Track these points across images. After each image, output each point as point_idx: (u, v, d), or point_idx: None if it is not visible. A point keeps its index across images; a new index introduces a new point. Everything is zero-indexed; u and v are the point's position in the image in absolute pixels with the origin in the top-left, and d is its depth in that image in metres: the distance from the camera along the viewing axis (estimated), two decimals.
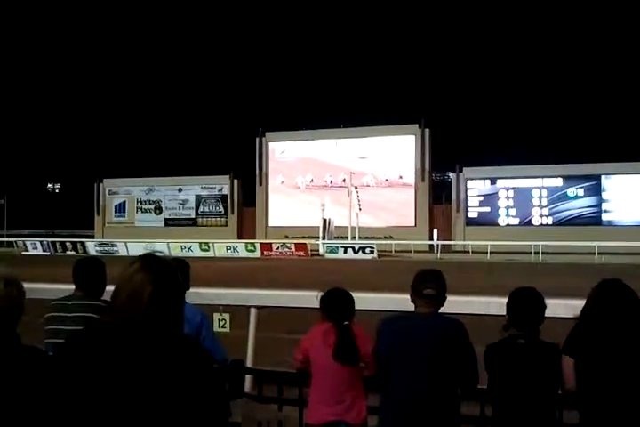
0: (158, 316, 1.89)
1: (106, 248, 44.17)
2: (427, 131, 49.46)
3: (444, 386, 3.20)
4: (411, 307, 3.40)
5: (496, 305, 3.93)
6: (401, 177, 50.19)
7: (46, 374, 2.00)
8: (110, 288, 2.14)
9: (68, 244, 45.83)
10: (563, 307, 3.97)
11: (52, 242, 46.51)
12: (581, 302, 3.28)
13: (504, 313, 3.33)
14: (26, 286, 2.39)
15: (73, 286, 3.97)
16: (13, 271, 2.16)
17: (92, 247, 44.69)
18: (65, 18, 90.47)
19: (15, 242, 48.07)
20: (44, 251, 45.16)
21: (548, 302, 3.44)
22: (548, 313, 3.36)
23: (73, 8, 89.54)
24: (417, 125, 49.58)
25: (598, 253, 35.21)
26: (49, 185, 67.95)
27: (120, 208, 58.20)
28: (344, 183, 48.58)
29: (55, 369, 1.99)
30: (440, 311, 3.36)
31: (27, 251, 45.37)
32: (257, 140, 54.22)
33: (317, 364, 3.63)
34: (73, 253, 43.48)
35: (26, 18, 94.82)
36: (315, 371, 3.65)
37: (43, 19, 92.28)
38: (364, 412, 3.62)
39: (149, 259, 2.00)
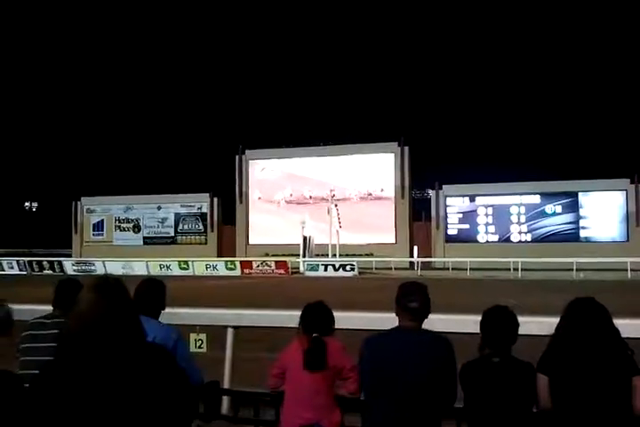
0: (110, 331, 2.09)
1: (83, 267, 43.61)
2: (406, 149, 49.80)
3: (427, 404, 3.19)
4: (392, 325, 3.41)
5: (472, 323, 3.94)
6: (382, 190, 50.38)
7: (17, 396, 2.07)
8: None
9: (45, 263, 45.18)
10: (537, 325, 3.99)
11: (28, 261, 45.83)
12: (556, 320, 3.30)
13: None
14: None
15: (50, 307, 4.01)
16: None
17: (69, 266, 44.09)
18: (38, 38, 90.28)
19: None
20: (20, 270, 44.51)
21: (524, 319, 3.45)
22: (522, 331, 3.38)
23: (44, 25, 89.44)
24: (396, 143, 49.92)
25: (576, 270, 35.48)
26: (26, 203, 67.25)
27: (98, 227, 57.69)
28: (324, 200, 48.56)
29: (29, 392, 2.13)
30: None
31: (2, 270, 44.69)
32: (237, 157, 54.24)
33: (291, 373, 3.66)
34: (50, 272, 42.92)
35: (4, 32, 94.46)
36: (287, 379, 3.68)
37: (19, 34, 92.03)
38: (339, 417, 3.62)
39: (100, 282, 2.23)
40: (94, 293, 2.16)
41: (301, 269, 40.51)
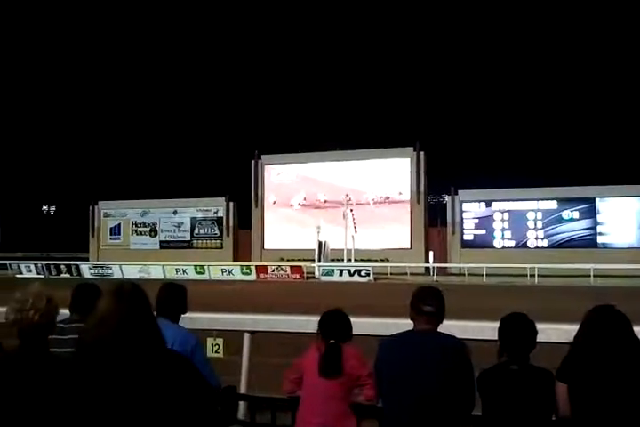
0: (128, 337, 2.10)
1: (100, 271, 43.95)
2: (422, 154, 49.67)
3: (443, 409, 3.18)
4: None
5: (490, 330, 3.92)
6: (400, 193, 50.19)
7: (71, 380, 2.16)
8: None
9: (62, 266, 45.57)
10: (556, 332, 3.96)
11: (46, 265, 46.23)
12: (575, 327, 3.28)
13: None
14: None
15: (67, 311, 4.02)
16: (48, 290, 2.50)
17: (86, 270, 44.44)
18: (54, 45, 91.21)
19: (9, 264, 47.79)
20: (38, 273, 44.88)
21: (542, 326, 3.43)
22: (541, 338, 3.36)
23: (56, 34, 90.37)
24: (412, 148, 49.81)
25: (594, 276, 35.19)
26: (44, 207, 67.83)
27: (115, 230, 58.07)
28: (340, 204, 48.36)
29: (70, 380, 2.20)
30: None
31: (21, 273, 45.09)
32: (252, 162, 54.39)
33: (307, 378, 3.67)
34: (67, 275, 43.25)
35: (13, 39, 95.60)
36: (304, 385, 3.68)
37: (31, 42, 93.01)
38: (354, 424, 3.61)
39: (117, 288, 2.24)
40: (112, 298, 2.18)
41: (316, 273, 40.52)
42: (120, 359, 2.07)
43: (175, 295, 3.96)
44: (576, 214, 46.24)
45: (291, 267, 41.28)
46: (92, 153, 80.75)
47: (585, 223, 46.04)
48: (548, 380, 3.18)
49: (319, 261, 42.60)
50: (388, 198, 50.61)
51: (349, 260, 43.29)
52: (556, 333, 4.05)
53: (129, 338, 2.09)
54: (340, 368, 3.57)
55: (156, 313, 3.91)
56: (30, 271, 45.54)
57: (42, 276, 43.74)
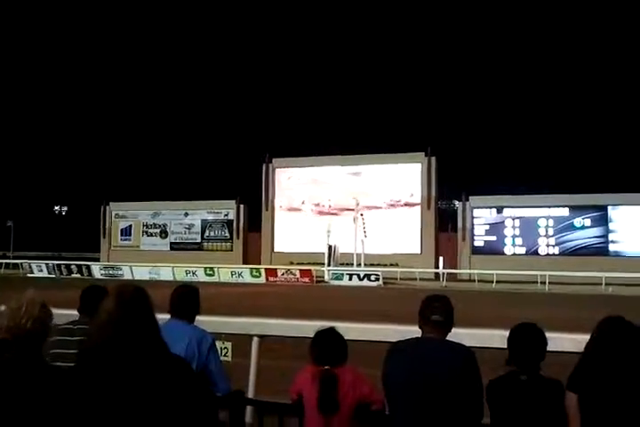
0: (128, 341, 2.09)
1: (111, 272, 44.12)
2: (433, 159, 49.58)
3: (449, 418, 3.14)
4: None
5: (499, 338, 3.90)
6: (412, 195, 50.04)
7: (64, 390, 2.15)
8: None
9: (73, 267, 45.77)
10: (566, 341, 3.94)
11: (57, 265, 46.45)
12: (585, 337, 3.26)
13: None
14: None
15: (74, 311, 4.06)
16: (41, 296, 2.44)
17: (97, 271, 44.61)
18: (68, 49, 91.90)
19: (21, 264, 48.08)
20: (49, 273, 45.11)
21: (552, 335, 3.40)
22: (551, 347, 3.34)
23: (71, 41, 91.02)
24: (423, 154, 49.74)
25: (605, 284, 34.97)
26: (56, 207, 68.19)
27: (126, 232, 58.30)
28: (350, 209, 48.38)
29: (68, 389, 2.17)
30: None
31: (32, 273, 45.33)
32: (263, 165, 54.51)
33: (307, 408, 3.58)
34: (78, 275, 43.43)
35: (33, 41, 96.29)
36: (305, 412, 3.60)
37: (43, 46, 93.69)
38: None
39: (119, 291, 2.23)
40: (113, 301, 2.18)
41: (326, 277, 40.51)
42: (119, 363, 2.06)
43: (190, 297, 4.02)
44: (588, 222, 45.98)
45: (300, 271, 41.28)
46: (103, 154, 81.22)
47: (597, 231, 45.78)
48: (557, 390, 3.15)
49: (329, 265, 42.59)
50: (398, 203, 50.55)
51: (359, 264, 43.24)
52: (566, 342, 4.03)
53: (129, 341, 2.08)
54: (337, 405, 3.46)
55: (170, 314, 3.94)
56: (41, 271, 45.77)
57: (53, 275, 43.94)
